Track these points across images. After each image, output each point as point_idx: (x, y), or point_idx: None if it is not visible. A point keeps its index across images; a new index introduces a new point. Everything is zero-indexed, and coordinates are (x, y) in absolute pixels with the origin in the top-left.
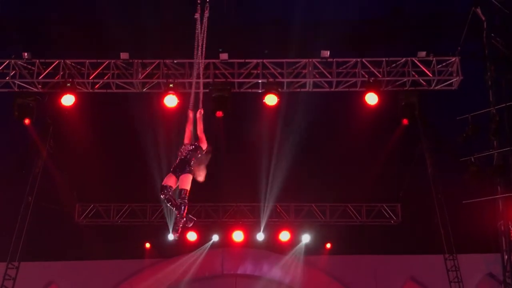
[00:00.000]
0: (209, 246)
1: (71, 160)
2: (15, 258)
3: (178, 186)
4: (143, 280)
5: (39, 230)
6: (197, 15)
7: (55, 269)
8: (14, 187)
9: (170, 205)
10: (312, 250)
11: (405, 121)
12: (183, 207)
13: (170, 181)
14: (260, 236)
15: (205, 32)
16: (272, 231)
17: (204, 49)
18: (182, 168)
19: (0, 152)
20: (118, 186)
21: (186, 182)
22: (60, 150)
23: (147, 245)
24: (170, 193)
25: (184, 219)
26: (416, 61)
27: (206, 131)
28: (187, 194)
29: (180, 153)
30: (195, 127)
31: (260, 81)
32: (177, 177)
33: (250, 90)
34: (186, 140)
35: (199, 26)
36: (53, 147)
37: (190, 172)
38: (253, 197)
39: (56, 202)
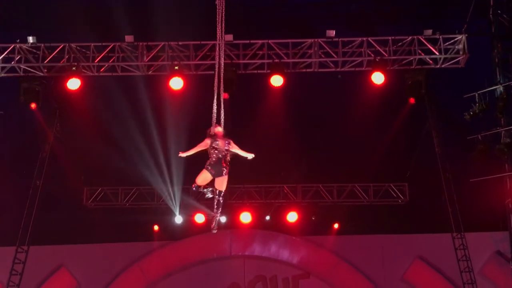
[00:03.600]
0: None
1: (78, 144)
2: (24, 242)
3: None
4: (152, 262)
5: (47, 214)
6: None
7: (64, 253)
8: (22, 171)
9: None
10: (319, 231)
11: (411, 100)
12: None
13: (206, 180)
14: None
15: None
16: (280, 212)
17: (223, 30)
18: (219, 169)
19: (7, 137)
20: (126, 169)
21: (223, 184)
22: (67, 134)
23: (156, 227)
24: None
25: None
26: (422, 39)
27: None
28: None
29: (215, 150)
30: None
31: (265, 61)
32: (213, 177)
33: (255, 71)
34: (219, 134)
35: (219, 8)
36: (60, 131)
37: (227, 174)
38: (261, 178)
39: (64, 186)
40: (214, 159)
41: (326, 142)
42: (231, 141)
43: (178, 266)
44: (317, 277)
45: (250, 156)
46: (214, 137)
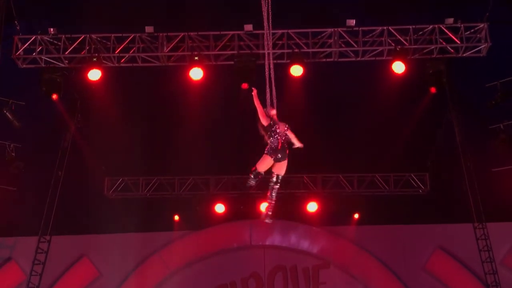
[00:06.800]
0: None
1: (99, 135)
2: (46, 232)
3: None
4: (173, 252)
5: (69, 204)
6: None
7: (86, 242)
8: (44, 162)
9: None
10: (340, 221)
11: (433, 90)
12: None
13: (267, 166)
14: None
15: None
16: (300, 202)
17: (270, 19)
18: (283, 153)
19: (29, 128)
20: (146, 160)
21: (283, 169)
22: (88, 125)
23: (176, 217)
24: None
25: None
26: (443, 28)
27: (233, 103)
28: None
29: (276, 134)
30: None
31: (285, 51)
32: (275, 162)
33: (275, 61)
34: (275, 117)
35: None
36: (81, 122)
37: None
38: None
39: (85, 176)
40: (275, 144)
41: (346, 132)
42: (287, 125)
43: (199, 256)
44: (338, 267)
45: (300, 145)
46: (273, 120)
